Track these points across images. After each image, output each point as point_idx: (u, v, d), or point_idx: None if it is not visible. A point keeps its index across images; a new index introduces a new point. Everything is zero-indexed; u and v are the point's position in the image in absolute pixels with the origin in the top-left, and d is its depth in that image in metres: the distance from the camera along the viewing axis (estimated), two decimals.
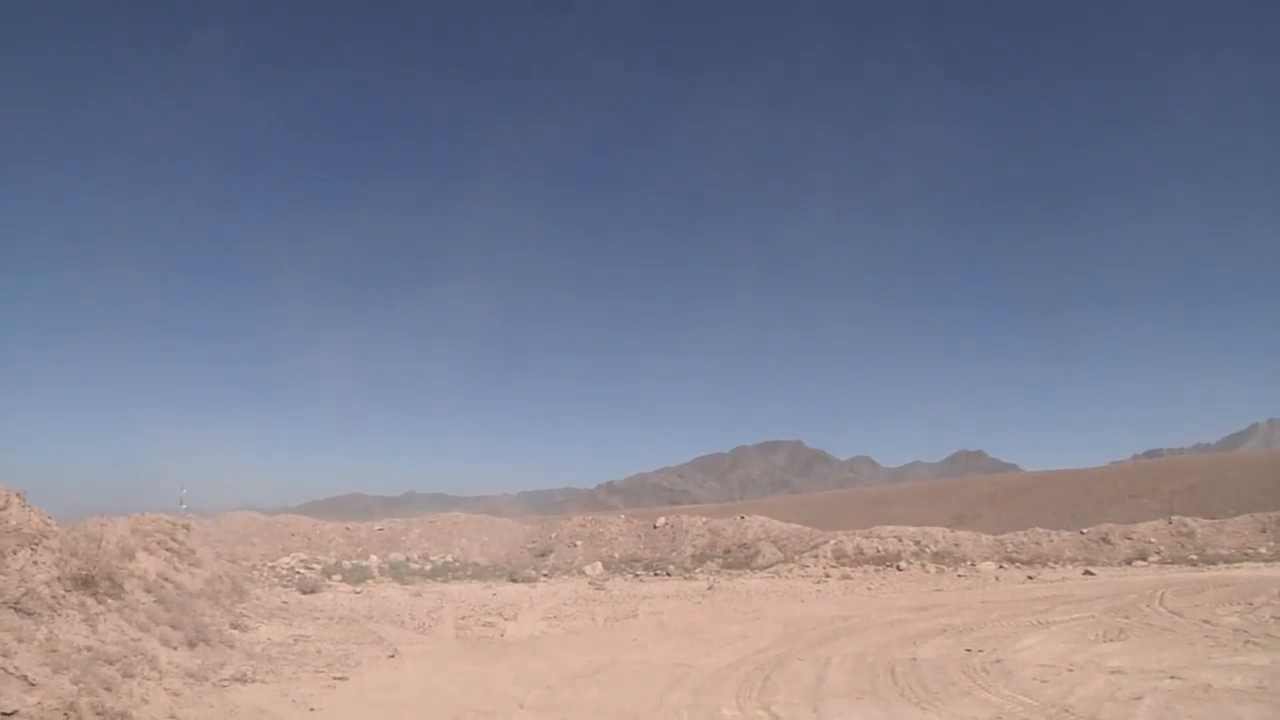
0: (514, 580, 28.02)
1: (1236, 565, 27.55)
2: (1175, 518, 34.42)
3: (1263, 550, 30.08)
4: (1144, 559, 30.20)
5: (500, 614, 19.06)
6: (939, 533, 34.11)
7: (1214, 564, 28.17)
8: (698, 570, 31.75)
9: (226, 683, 10.24)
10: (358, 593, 23.56)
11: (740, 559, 33.84)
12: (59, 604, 9.67)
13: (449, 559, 34.16)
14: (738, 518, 38.73)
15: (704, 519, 39.56)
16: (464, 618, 18.47)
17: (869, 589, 24.62)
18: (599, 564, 32.38)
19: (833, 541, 33.50)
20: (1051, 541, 32.96)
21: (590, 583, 27.23)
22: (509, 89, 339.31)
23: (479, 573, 30.32)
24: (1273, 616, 14.64)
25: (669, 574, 30.55)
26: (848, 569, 30.11)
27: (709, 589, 25.06)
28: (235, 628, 13.95)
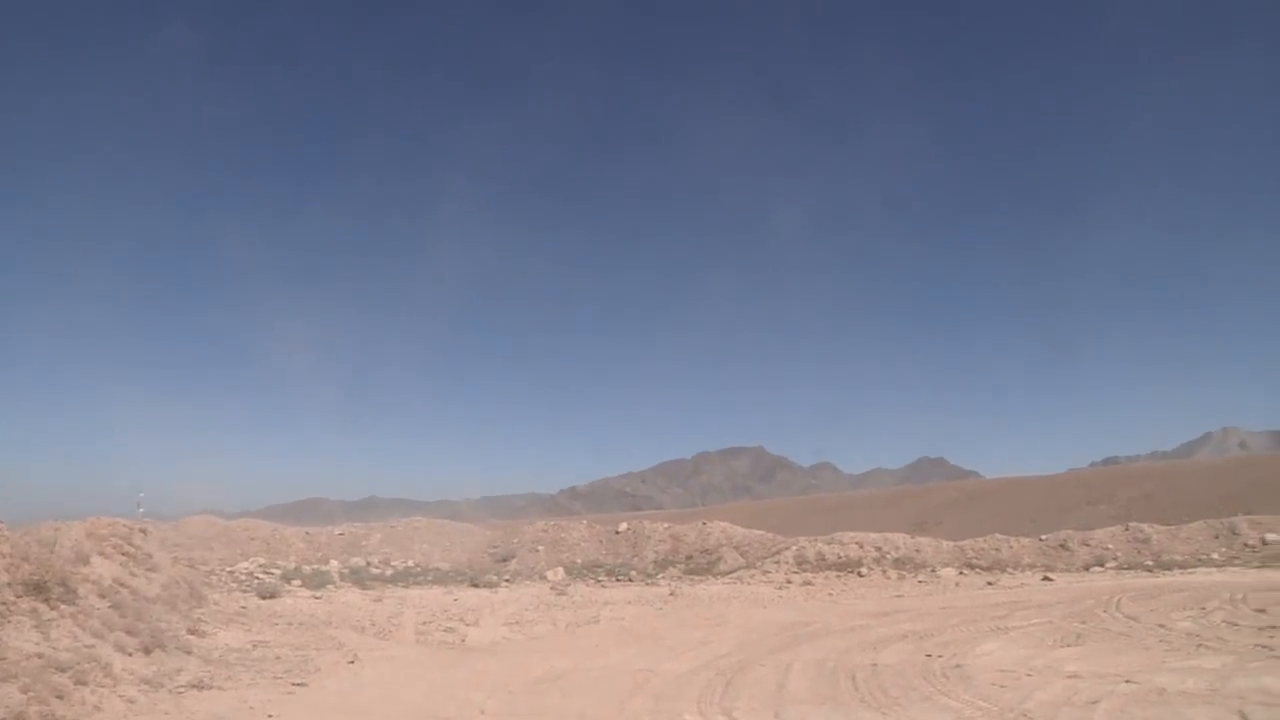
0: (475, 585, 27.90)
1: (1191, 571, 27.91)
2: (1132, 525, 34.81)
3: (1215, 556, 30.50)
4: (1101, 565, 30.53)
5: (461, 619, 18.98)
6: (900, 539, 34.32)
7: (1169, 569, 28.52)
8: (660, 576, 31.78)
9: (183, 689, 10.12)
10: (318, 598, 23.36)
11: (702, 565, 33.90)
12: (9, 610, 9.52)
13: (410, 564, 33.99)
14: (700, 524, 38.78)
15: (666, 525, 39.59)
16: (425, 623, 18.38)
17: (830, 595, 24.73)
18: (561, 569, 32.31)
19: (794, 547, 33.64)
20: (1011, 548, 33.24)
21: (552, 588, 27.17)
22: (477, 86, 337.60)
23: (440, 578, 30.17)
24: (1224, 621, 14.85)
25: (631, 579, 30.58)
26: (809, 575, 30.24)
27: (671, 594, 25.07)
28: (193, 633, 13.77)
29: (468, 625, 18.14)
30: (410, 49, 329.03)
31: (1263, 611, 15.82)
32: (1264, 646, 11.85)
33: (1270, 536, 31.16)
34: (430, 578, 30.24)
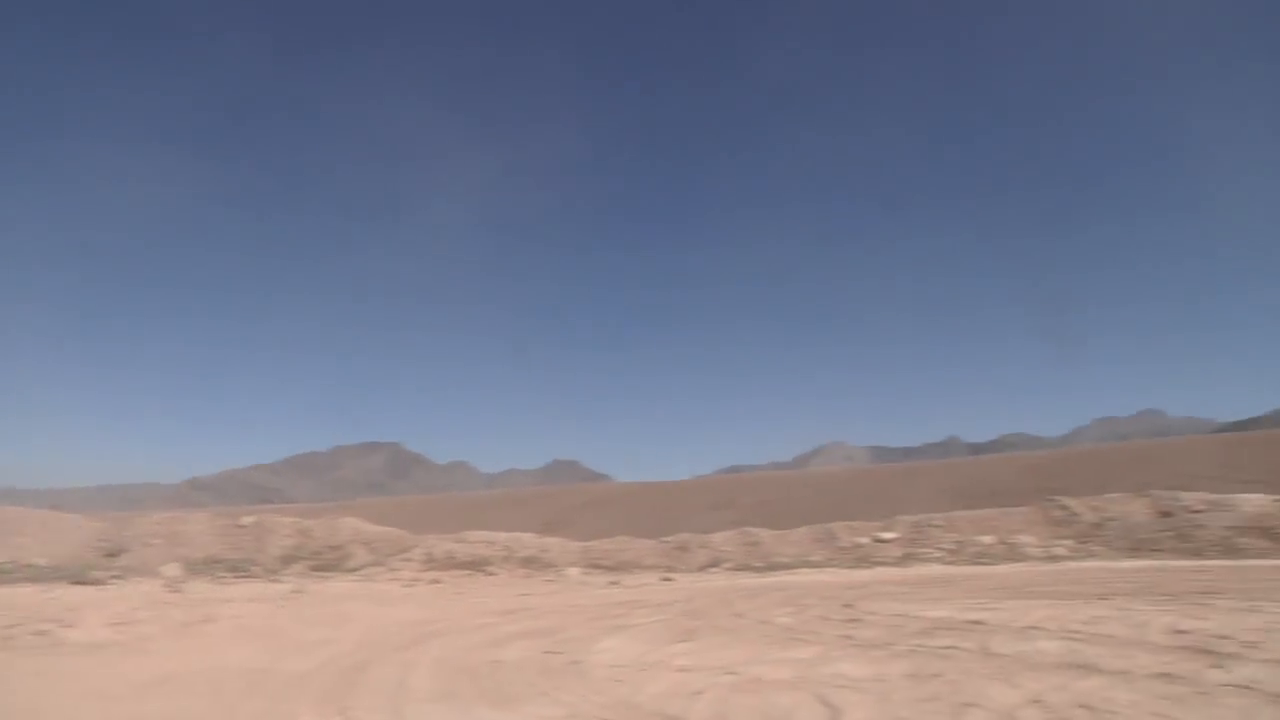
0: (79, 583, 25.49)
1: (795, 571, 30.32)
2: (746, 529, 37.37)
3: (816, 558, 33.33)
4: (718, 566, 32.50)
5: (58, 620, 17.25)
6: (529, 538, 34.94)
7: (776, 570, 30.83)
8: (285, 572, 30.49)
9: None
10: None
11: (330, 561, 32.88)
12: None
13: (1, 560, 30.55)
14: (330, 519, 37.61)
15: (294, 519, 38.03)
16: (12, 625, 16.54)
17: (458, 593, 24.72)
18: (177, 565, 30.21)
19: (424, 545, 33.38)
20: (635, 549, 34.66)
21: (166, 585, 25.31)
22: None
23: (38, 575, 27.30)
24: (818, 616, 16.25)
25: (253, 576, 29.09)
26: (438, 573, 30.10)
27: (295, 592, 24.11)
28: None
29: (65, 627, 16.50)
30: None
31: (850, 606, 17.48)
32: (847, 637, 13.08)
33: (861, 540, 34.49)
34: (25, 575, 27.30)
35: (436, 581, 27.97)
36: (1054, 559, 29.73)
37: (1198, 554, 28.19)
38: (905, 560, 31.40)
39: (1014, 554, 30.84)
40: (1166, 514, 32.38)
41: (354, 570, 31.40)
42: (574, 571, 31.27)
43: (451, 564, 31.82)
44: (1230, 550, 28.09)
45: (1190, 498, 33.32)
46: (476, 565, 31.66)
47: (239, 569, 30.60)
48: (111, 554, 32.86)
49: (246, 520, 37.71)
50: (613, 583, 27.85)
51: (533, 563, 32.38)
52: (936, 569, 29.01)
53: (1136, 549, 30.09)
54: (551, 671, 11.36)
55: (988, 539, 32.57)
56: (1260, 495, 33.38)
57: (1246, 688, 8.37)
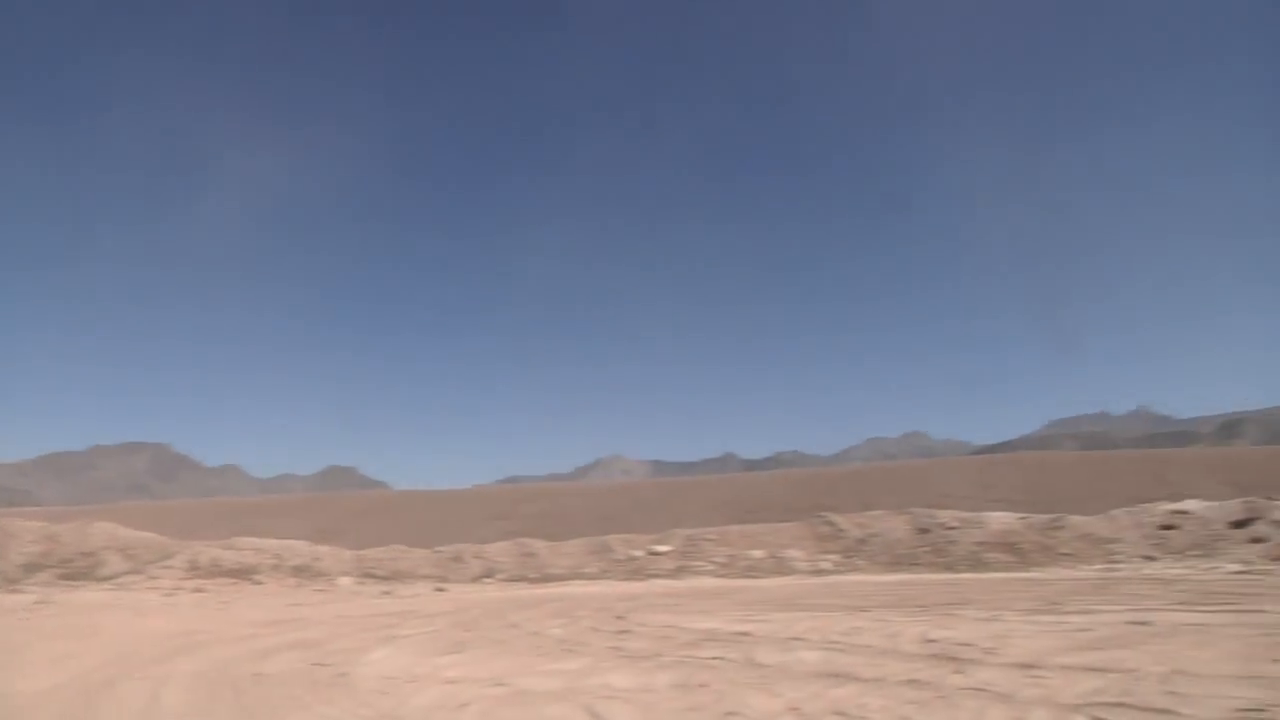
0: None
1: (569, 583, 30.57)
2: (521, 540, 37.36)
3: (590, 570, 33.65)
4: (492, 577, 32.36)
5: None
6: (301, 546, 33.90)
7: (551, 582, 30.99)
8: (28, 582, 28.48)
9: None
10: None
11: (81, 569, 30.91)
12: None
13: None
14: (82, 523, 35.35)
15: (40, 523, 35.54)
16: None
17: (223, 603, 23.75)
18: None
19: (188, 552, 31.85)
20: (410, 559, 34.15)
21: None
22: None
23: None
24: (590, 627, 16.47)
25: None
26: (202, 581, 28.81)
27: (39, 603, 22.58)
28: None
29: None
30: None
31: (622, 618, 17.78)
32: (617, 648, 13.32)
33: (636, 553, 35.05)
34: None
35: (200, 590, 26.79)
36: (820, 573, 31.07)
37: (950, 568, 30.05)
38: (678, 573, 32.10)
39: (782, 568, 32.04)
40: (924, 530, 34.35)
41: (108, 579, 29.63)
42: (346, 581, 30.56)
43: (217, 572, 30.50)
44: (979, 564, 30.09)
45: (946, 515, 35.45)
46: (244, 574, 30.47)
47: None
48: None
49: None
50: (385, 593, 27.39)
51: (304, 571, 31.43)
52: (708, 582, 29.82)
53: (896, 563, 31.79)
54: (317, 684, 11.10)
55: (758, 553, 33.70)
56: (1007, 513, 35.89)
57: (981, 690, 9.07)
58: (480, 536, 45.54)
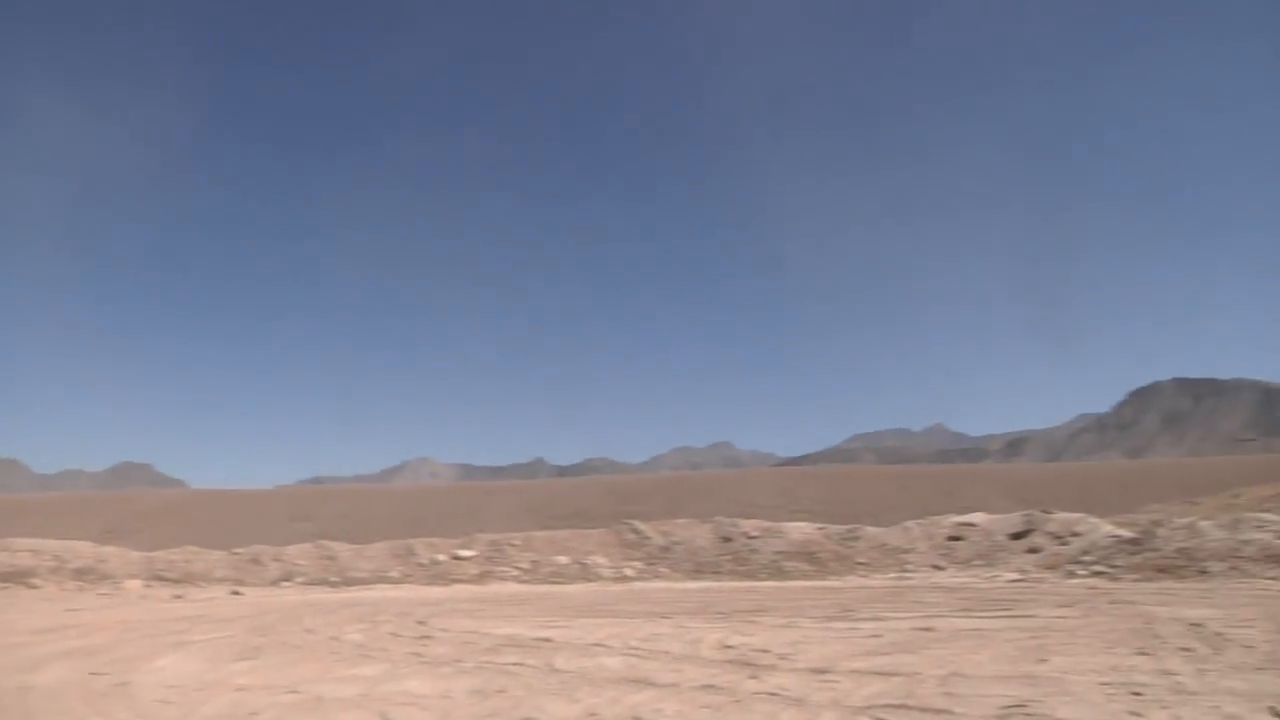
0: None
1: (371, 587, 30.00)
2: (322, 542, 36.49)
3: (393, 574, 33.11)
4: (291, 580, 31.46)
5: None
6: (84, 548, 32.14)
7: (353, 586, 30.34)
8: None
9: None
10: None
11: None
12: None
13: None
14: None
15: None
16: None
17: None
18: None
19: None
20: (204, 560, 32.89)
21: None
22: None
23: None
24: (389, 632, 16.21)
25: None
26: None
27: None
28: None
29: None
30: None
31: (423, 623, 17.56)
32: (417, 654, 13.17)
33: (440, 557, 34.68)
34: None
35: None
36: (624, 579, 31.41)
37: (751, 576, 30.85)
38: (482, 578, 31.95)
39: (587, 574, 32.26)
40: (727, 539, 35.20)
41: None
42: (134, 584, 29.12)
43: None
44: (778, 573, 31.02)
45: (748, 524, 36.42)
46: (18, 577, 28.61)
47: None
48: None
49: None
50: (177, 596, 26.25)
51: (87, 574, 29.77)
52: (512, 587, 29.77)
53: (699, 571, 32.45)
54: (94, 695, 10.54)
55: (563, 559, 33.86)
56: (806, 523, 37.17)
57: (774, 694, 9.39)
58: (280, 538, 44.23)
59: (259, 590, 28.84)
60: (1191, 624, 13.52)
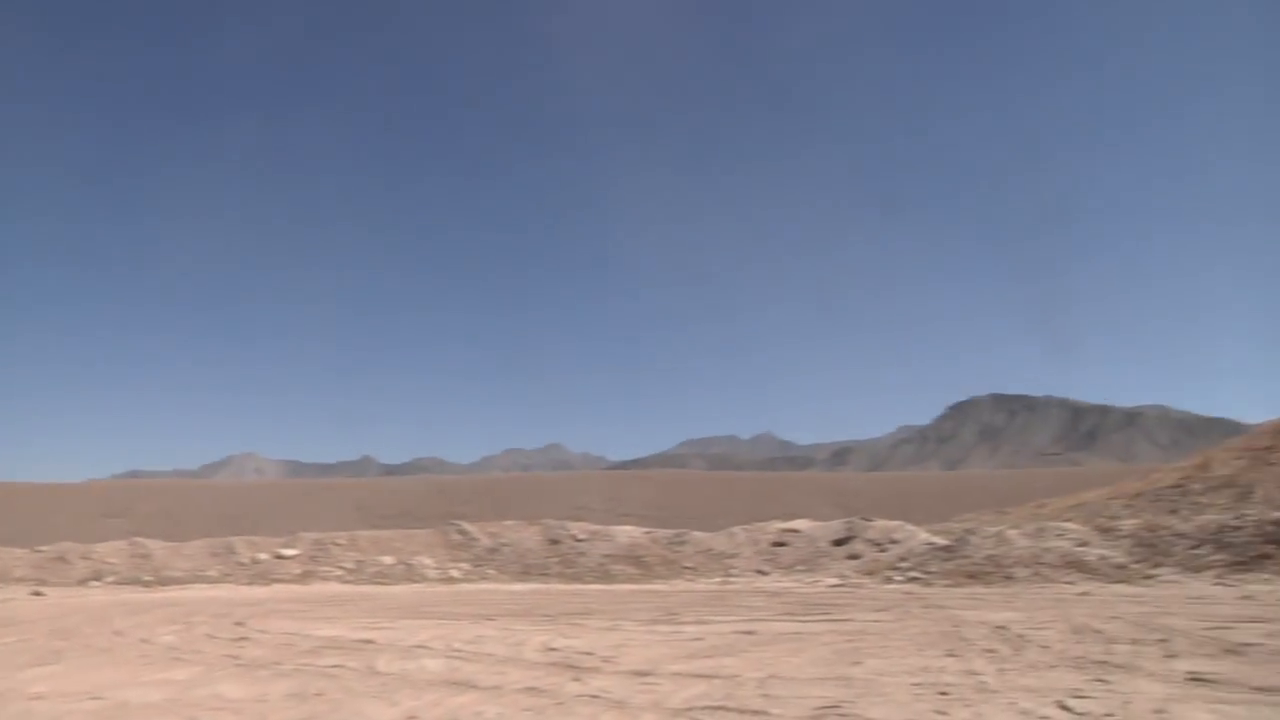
0: None
1: (188, 586, 28.90)
2: (136, 539, 35.01)
3: (212, 573, 31.96)
4: (100, 579, 30.07)
5: None
6: None
7: (168, 585, 29.16)
8: None
9: None
10: None
11: None
12: None
13: None
14: None
15: None
16: None
17: None
18: None
19: None
20: (3, 559, 31.14)
21: None
22: None
23: None
24: (205, 634, 15.63)
25: None
26: None
27: None
28: None
29: None
30: None
31: (241, 625, 17.01)
32: (233, 656, 12.72)
33: (262, 556, 33.63)
34: None
35: None
36: (450, 581, 31.09)
37: (578, 579, 30.95)
38: (305, 578, 31.15)
39: (412, 575, 31.80)
40: (555, 541, 35.21)
41: None
42: None
43: None
44: (605, 576, 31.20)
45: (576, 527, 36.53)
46: None
47: None
48: None
49: None
50: None
51: None
52: (335, 588, 29.13)
53: (526, 573, 32.36)
54: None
55: (388, 559, 33.29)
56: (634, 528, 37.54)
57: (596, 697, 9.42)
58: (91, 535, 42.17)
59: (64, 590, 27.40)
60: (996, 626, 14.22)
